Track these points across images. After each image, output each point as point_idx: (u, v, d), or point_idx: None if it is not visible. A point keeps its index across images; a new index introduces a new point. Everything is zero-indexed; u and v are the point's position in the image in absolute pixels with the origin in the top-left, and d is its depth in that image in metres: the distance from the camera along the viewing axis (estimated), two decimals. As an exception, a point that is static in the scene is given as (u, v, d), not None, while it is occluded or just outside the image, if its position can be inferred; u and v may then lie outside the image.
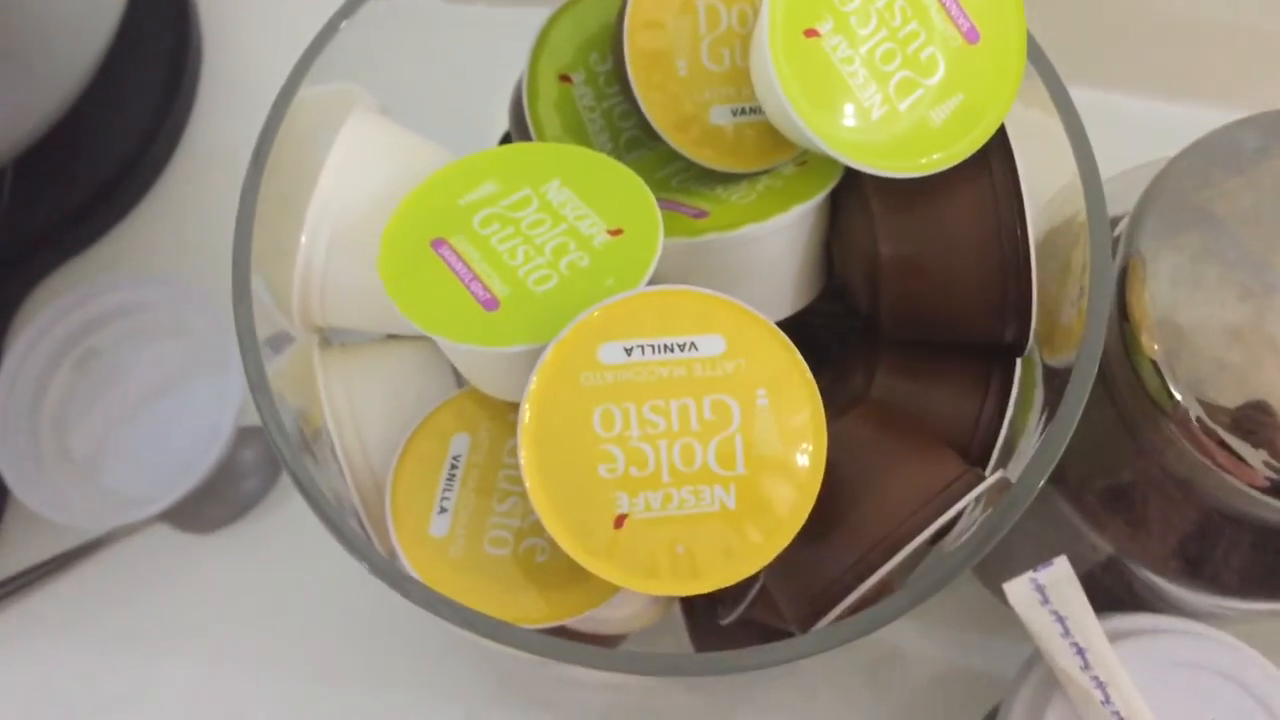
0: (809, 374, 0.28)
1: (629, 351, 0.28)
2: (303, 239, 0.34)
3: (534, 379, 0.28)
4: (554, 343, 0.28)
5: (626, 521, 0.27)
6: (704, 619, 0.41)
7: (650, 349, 0.28)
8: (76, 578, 0.52)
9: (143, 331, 0.54)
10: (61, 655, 0.51)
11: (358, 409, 0.34)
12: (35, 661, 0.51)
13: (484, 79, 0.40)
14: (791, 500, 0.28)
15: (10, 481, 0.50)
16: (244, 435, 0.52)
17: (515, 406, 0.32)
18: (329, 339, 0.37)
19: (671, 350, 0.28)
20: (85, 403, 0.53)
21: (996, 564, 0.50)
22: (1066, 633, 0.38)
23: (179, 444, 0.52)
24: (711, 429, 0.28)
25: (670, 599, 0.37)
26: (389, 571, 0.29)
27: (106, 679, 0.50)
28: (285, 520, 0.52)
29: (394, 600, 0.50)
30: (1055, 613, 0.38)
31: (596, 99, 0.38)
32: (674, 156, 0.36)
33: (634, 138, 0.38)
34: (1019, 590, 0.37)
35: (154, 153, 0.56)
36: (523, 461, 0.28)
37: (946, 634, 0.51)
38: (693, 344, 0.28)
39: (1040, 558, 0.36)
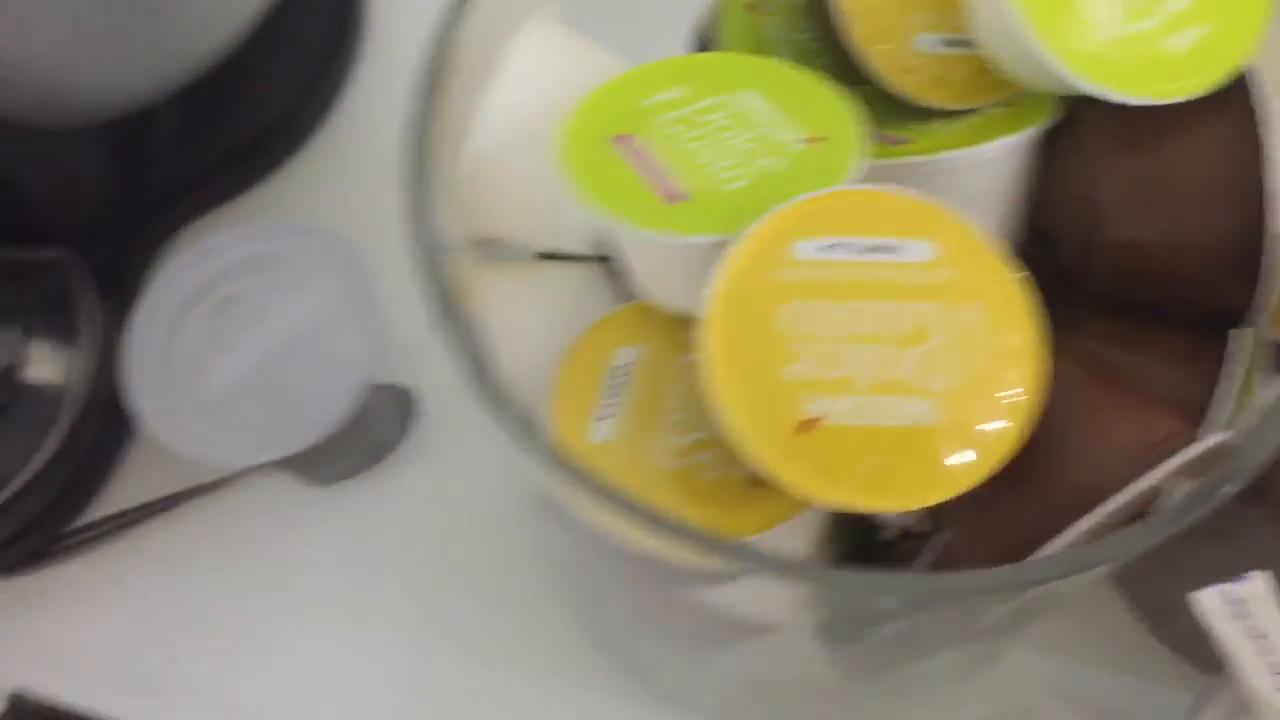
0: (1028, 295, 0.26)
1: (827, 249, 0.26)
2: (475, 143, 0.32)
3: (721, 272, 0.26)
4: (746, 233, 0.26)
5: (815, 426, 0.24)
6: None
7: (850, 249, 0.26)
8: (194, 517, 0.51)
9: (283, 281, 0.53)
10: (170, 591, 0.50)
11: (514, 329, 0.33)
12: (143, 594, 0.49)
13: (669, 7, 0.38)
14: (1000, 427, 0.25)
15: (142, 413, 0.49)
16: (375, 392, 0.51)
17: (684, 322, 0.30)
18: (488, 259, 0.35)
19: (875, 252, 0.26)
20: (219, 346, 0.52)
21: (1158, 598, 0.46)
22: (1264, 651, 0.34)
23: (310, 394, 0.51)
24: (913, 338, 0.25)
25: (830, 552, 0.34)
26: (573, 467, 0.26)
27: (211, 619, 0.49)
28: (407, 478, 0.51)
29: (503, 562, 0.49)
30: (1251, 629, 0.34)
31: (787, 31, 0.36)
32: (870, 98, 0.34)
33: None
34: (1209, 601, 0.33)
35: (313, 106, 0.56)
36: (705, 358, 0.25)
37: (1101, 677, 0.47)
38: (899, 247, 0.26)
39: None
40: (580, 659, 0.48)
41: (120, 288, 0.51)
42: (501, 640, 0.48)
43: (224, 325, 0.52)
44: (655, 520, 0.24)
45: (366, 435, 0.51)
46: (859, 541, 0.32)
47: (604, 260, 0.33)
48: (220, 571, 0.50)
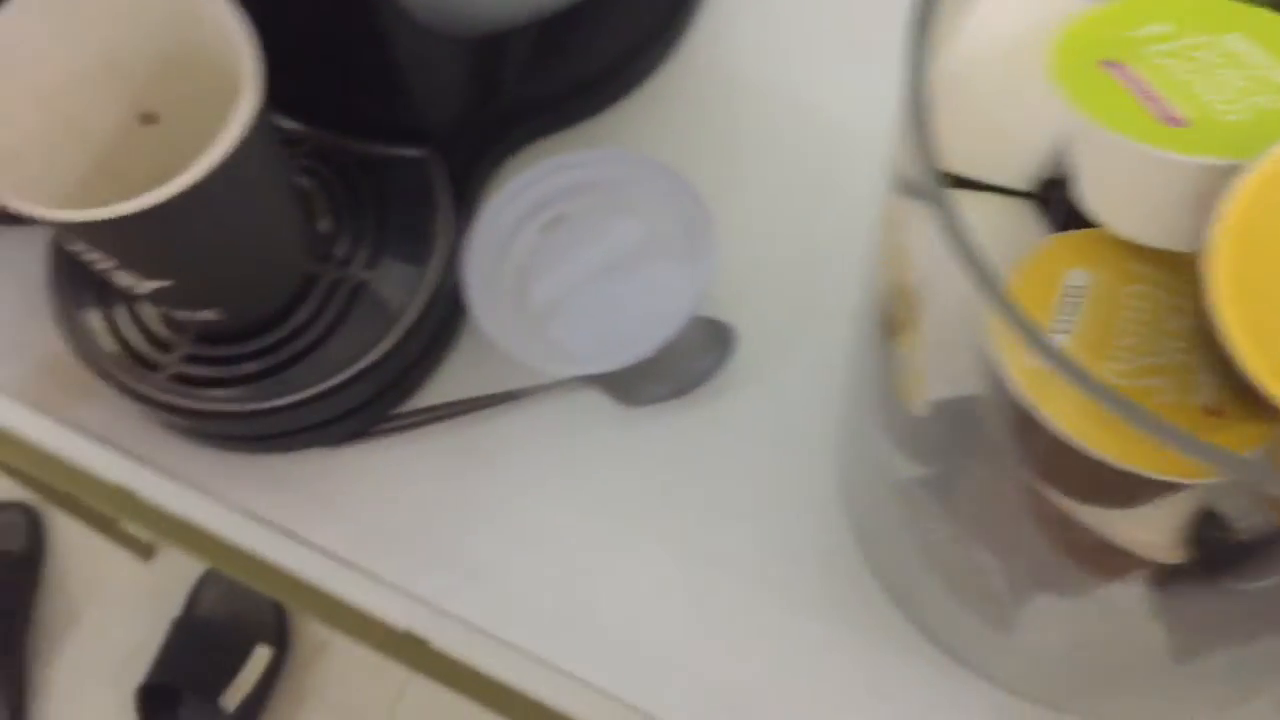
0: None
1: (1352, 181, 0.26)
2: (944, 64, 0.33)
3: (1231, 199, 0.26)
4: (1260, 159, 0.26)
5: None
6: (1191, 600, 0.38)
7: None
8: (507, 418, 0.53)
9: (614, 206, 0.55)
10: (471, 480, 0.52)
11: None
12: (447, 479, 0.52)
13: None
14: None
15: (475, 310, 0.52)
16: (695, 323, 0.52)
17: (1144, 251, 0.30)
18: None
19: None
20: (547, 261, 0.54)
21: None
22: None
23: (631, 317, 0.52)
24: None
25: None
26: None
27: (508, 519, 0.51)
28: (715, 411, 0.52)
29: (800, 503, 0.50)
30: None
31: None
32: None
33: None
34: None
35: (657, 44, 0.58)
36: (1210, 284, 0.26)
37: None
38: None
39: None
40: (870, 609, 0.49)
41: (465, 193, 0.54)
42: (790, 577, 0.49)
43: (554, 242, 0.55)
44: (1143, 415, 0.24)
45: (682, 364, 0.53)
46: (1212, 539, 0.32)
47: (1034, 197, 0.34)
48: (525, 469, 0.52)
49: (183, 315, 0.48)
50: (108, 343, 0.50)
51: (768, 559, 0.50)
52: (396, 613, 0.51)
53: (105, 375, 0.50)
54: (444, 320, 0.53)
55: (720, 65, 0.59)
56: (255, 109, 0.41)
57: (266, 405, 0.50)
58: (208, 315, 0.48)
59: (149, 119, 0.49)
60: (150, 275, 0.45)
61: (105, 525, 1.35)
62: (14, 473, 1.05)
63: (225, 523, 0.53)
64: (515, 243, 0.55)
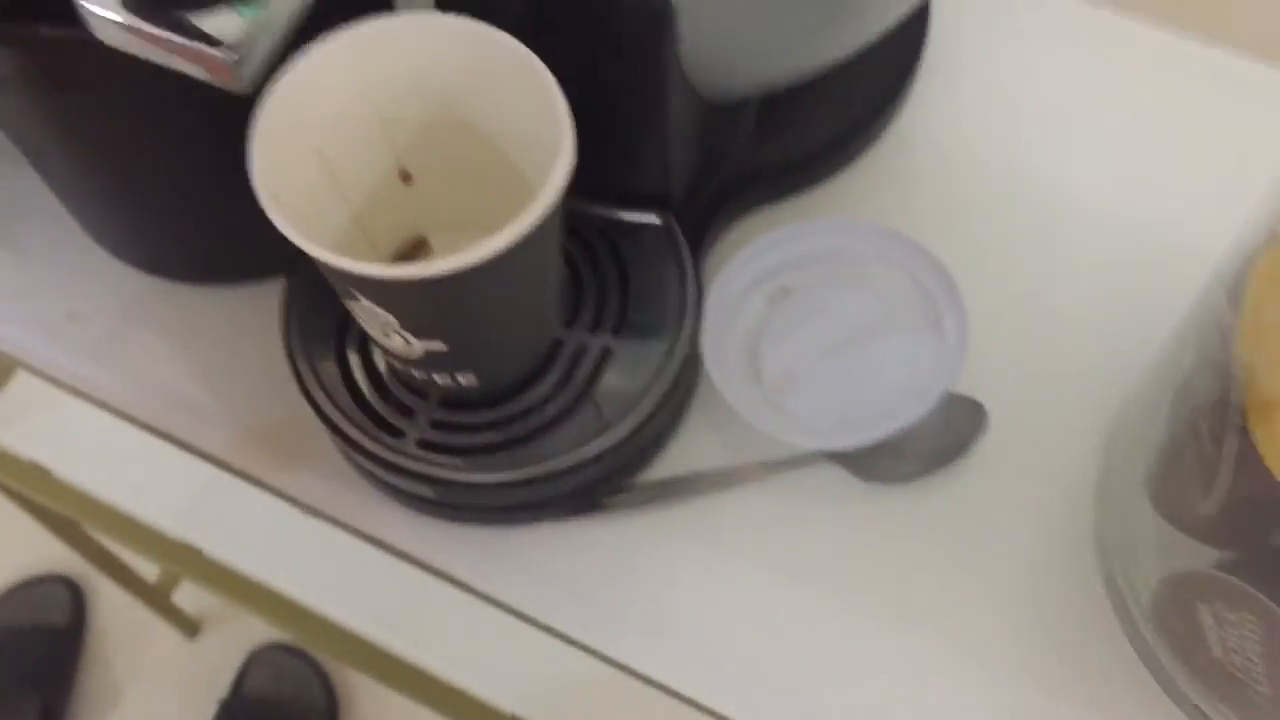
0: None
1: None
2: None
3: None
4: None
5: None
6: None
7: None
8: (743, 492, 0.51)
9: (846, 276, 0.54)
10: (707, 560, 0.50)
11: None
12: (680, 559, 0.50)
13: None
14: None
15: (715, 377, 0.50)
16: (944, 400, 0.51)
17: None
18: None
19: None
20: (780, 332, 0.53)
21: None
22: None
23: (874, 392, 0.51)
24: None
25: None
26: None
27: (742, 596, 0.49)
28: (966, 492, 0.51)
29: (1056, 594, 0.48)
30: None
31: None
32: None
33: None
34: None
35: (881, 114, 0.58)
36: None
37: None
38: None
39: None
40: (1143, 705, 0.47)
41: (696, 261, 0.53)
42: (1049, 668, 0.47)
43: (784, 313, 0.54)
44: None
45: (927, 439, 0.51)
46: None
47: None
48: (762, 546, 0.50)
49: (440, 379, 0.46)
50: (348, 407, 0.48)
51: (1025, 648, 0.48)
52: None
53: (346, 440, 0.48)
54: (686, 390, 0.51)
55: (939, 134, 0.58)
56: (568, 172, 0.40)
57: (507, 477, 0.48)
58: (467, 380, 0.46)
59: (405, 177, 0.47)
60: (428, 337, 0.43)
61: (153, 598, 1.31)
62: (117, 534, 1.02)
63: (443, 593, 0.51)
64: (743, 313, 0.54)
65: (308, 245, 0.38)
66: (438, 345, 0.44)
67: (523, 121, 0.44)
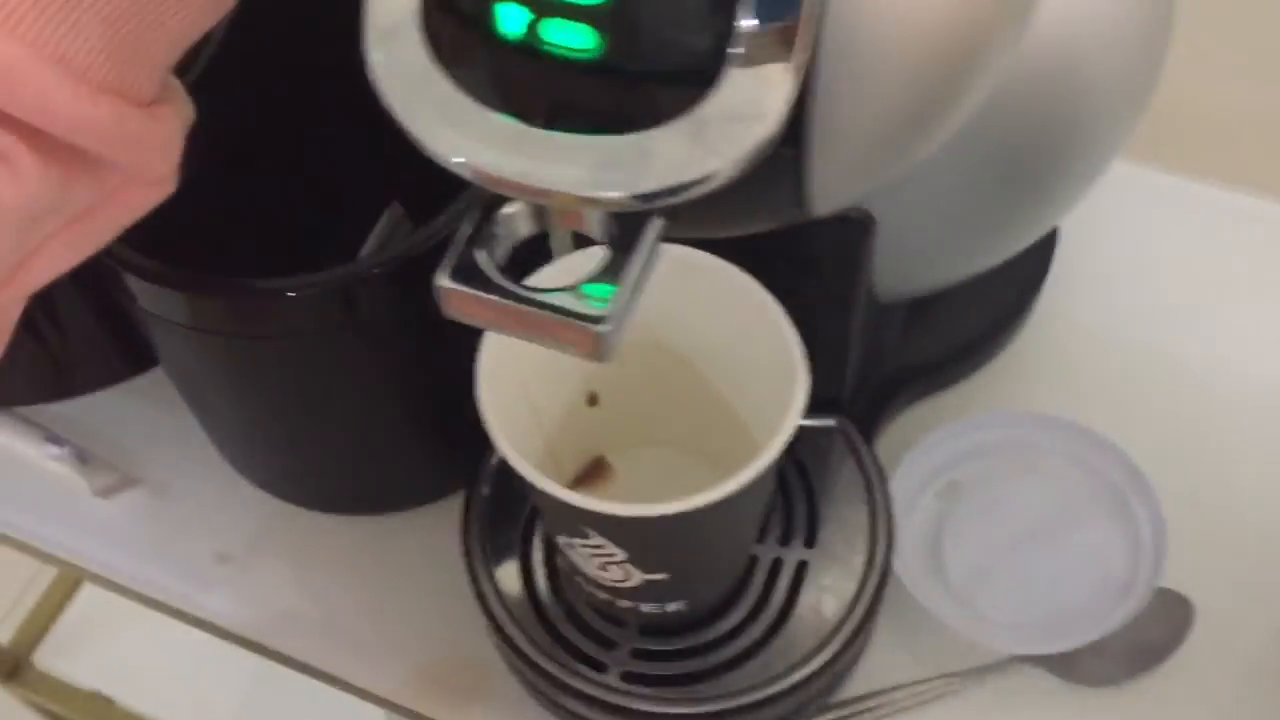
0: None
1: None
2: None
3: None
4: None
5: None
6: None
7: None
8: (940, 703, 0.49)
9: (1015, 468, 0.53)
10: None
11: None
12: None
13: None
14: None
15: (908, 583, 0.49)
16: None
17: None
18: None
19: None
20: (958, 531, 0.52)
21: None
22: None
23: (1070, 589, 0.50)
24: None
25: None
26: None
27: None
28: (1174, 691, 0.49)
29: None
30: None
31: None
32: None
33: None
34: None
35: (1023, 301, 0.58)
36: None
37: None
38: None
39: None
40: None
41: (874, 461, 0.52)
42: None
43: (959, 510, 0.53)
44: None
45: (1132, 637, 0.49)
46: None
47: None
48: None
49: (648, 608, 0.45)
50: (543, 640, 0.46)
51: None
52: None
53: (541, 675, 0.46)
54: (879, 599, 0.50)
55: (1081, 316, 0.58)
56: (804, 404, 0.40)
57: (712, 707, 0.46)
58: (675, 607, 0.45)
59: (593, 400, 0.47)
60: (655, 570, 0.41)
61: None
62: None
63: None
64: (917, 512, 0.53)
65: (563, 494, 0.37)
66: (661, 576, 0.42)
67: (727, 341, 0.43)
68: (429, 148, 0.25)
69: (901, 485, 0.52)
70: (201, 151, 0.45)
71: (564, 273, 0.33)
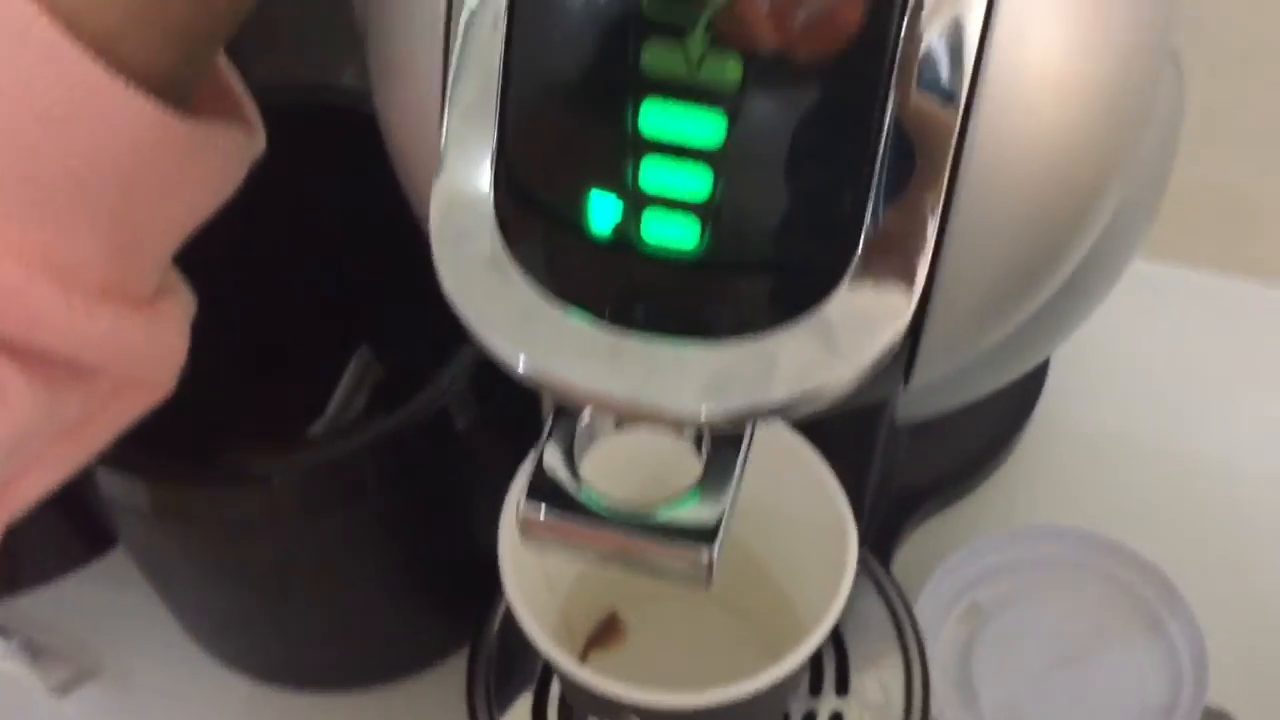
0: None
1: None
2: None
3: None
4: None
5: None
6: None
7: None
8: None
9: (1039, 585, 0.51)
10: None
11: None
12: None
13: None
14: None
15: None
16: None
17: None
18: None
19: None
20: (985, 657, 0.49)
21: None
22: None
23: (1110, 715, 0.48)
24: None
25: None
26: None
27: None
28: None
29: None
30: None
31: None
32: None
33: None
34: None
35: (1022, 411, 0.56)
36: None
37: None
38: None
39: None
40: None
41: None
42: None
43: (984, 635, 0.50)
44: None
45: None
46: None
47: None
48: None
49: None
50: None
51: None
52: None
53: None
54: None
55: (1082, 423, 0.57)
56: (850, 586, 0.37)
57: None
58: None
59: (608, 559, 0.43)
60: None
61: None
62: None
63: None
64: (939, 642, 0.50)
65: (606, 686, 0.34)
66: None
67: (757, 492, 0.40)
68: (518, 369, 0.22)
69: (924, 613, 0.49)
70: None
71: (618, 465, 0.30)
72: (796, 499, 0.39)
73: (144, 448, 0.40)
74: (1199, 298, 0.60)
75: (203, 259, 0.47)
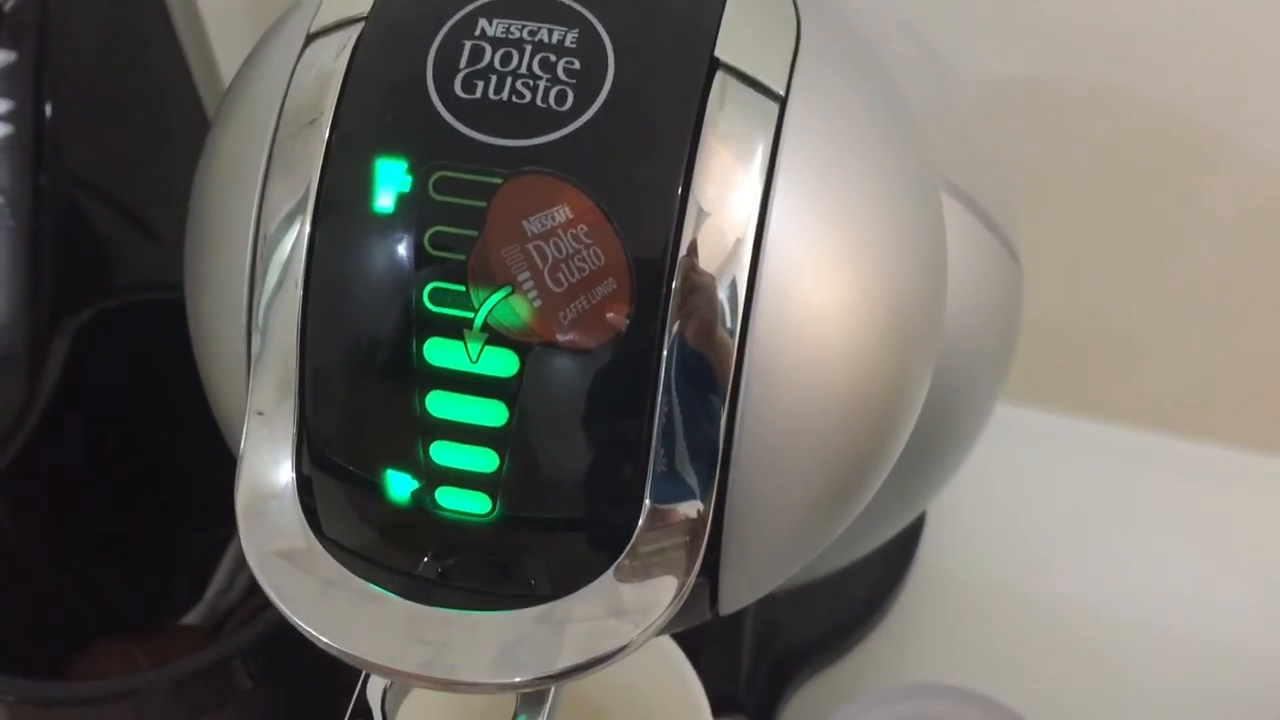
0: None
1: None
2: None
3: None
4: None
5: None
6: None
7: None
8: None
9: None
10: None
11: None
12: None
13: None
14: None
15: None
16: None
17: None
18: None
19: None
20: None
21: None
22: None
23: None
24: None
25: None
26: None
27: None
28: None
29: None
30: None
31: None
32: None
33: None
34: None
35: (901, 566, 0.57)
36: None
37: None
38: None
39: None
40: None
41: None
42: None
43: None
44: None
45: None
46: None
47: None
48: None
49: None
50: None
51: None
52: None
53: None
54: None
55: (959, 571, 0.58)
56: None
57: None
58: None
59: None
60: None
61: None
62: None
63: None
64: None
65: None
66: None
67: (624, 683, 0.41)
68: (319, 639, 0.23)
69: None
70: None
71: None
72: (657, 683, 0.40)
73: (7, 651, 0.40)
74: (1071, 440, 0.63)
75: (78, 450, 0.48)
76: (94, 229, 0.48)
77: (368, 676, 0.26)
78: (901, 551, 0.58)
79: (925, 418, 0.41)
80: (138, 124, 0.51)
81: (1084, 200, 0.58)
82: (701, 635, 0.47)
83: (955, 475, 0.57)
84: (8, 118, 0.45)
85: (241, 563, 0.53)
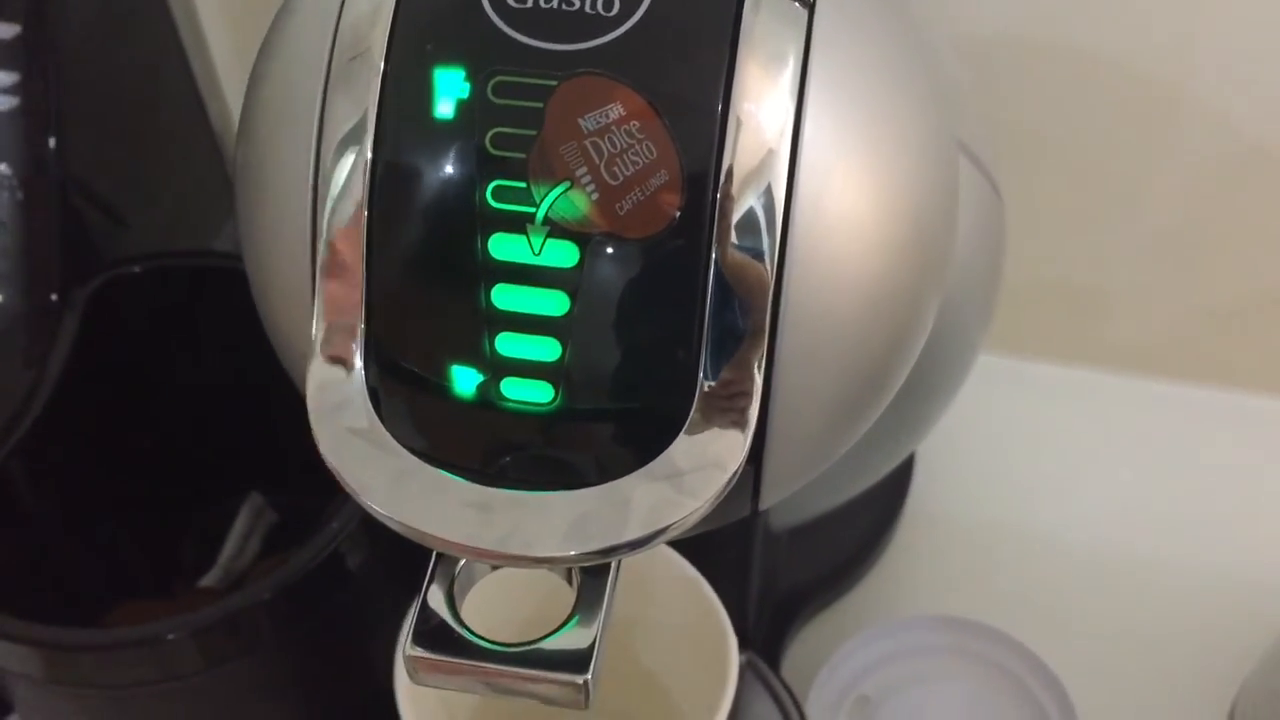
0: None
1: None
2: None
3: None
4: None
5: None
6: None
7: None
8: None
9: (921, 673, 0.53)
10: None
11: None
12: None
13: None
14: None
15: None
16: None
17: None
18: None
19: None
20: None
21: None
22: None
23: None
24: None
25: None
26: None
27: None
28: None
29: None
30: None
31: None
32: None
33: None
34: None
35: (894, 504, 0.59)
36: None
37: None
38: None
39: None
40: None
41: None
42: None
43: (874, 728, 0.52)
44: None
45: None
46: None
47: None
48: None
49: None
50: None
51: None
52: None
53: None
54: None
55: (952, 509, 0.60)
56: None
57: None
58: None
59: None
60: None
61: None
62: None
63: None
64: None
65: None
66: None
67: (646, 615, 0.43)
68: (395, 522, 0.24)
69: (814, 711, 0.51)
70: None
71: (499, 600, 0.32)
72: (679, 613, 0.41)
73: (33, 613, 0.41)
74: (1049, 387, 0.65)
75: (91, 421, 0.49)
76: (99, 199, 0.49)
77: (429, 585, 0.27)
78: (893, 495, 0.60)
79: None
80: (135, 95, 0.52)
81: (1053, 158, 0.61)
82: (712, 577, 0.49)
83: (942, 420, 0.60)
84: (13, 90, 0.46)
85: (253, 528, 0.54)
